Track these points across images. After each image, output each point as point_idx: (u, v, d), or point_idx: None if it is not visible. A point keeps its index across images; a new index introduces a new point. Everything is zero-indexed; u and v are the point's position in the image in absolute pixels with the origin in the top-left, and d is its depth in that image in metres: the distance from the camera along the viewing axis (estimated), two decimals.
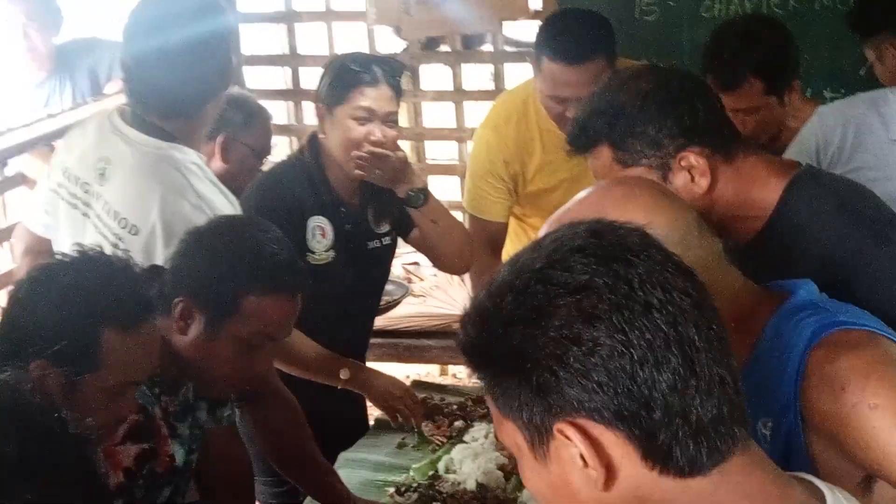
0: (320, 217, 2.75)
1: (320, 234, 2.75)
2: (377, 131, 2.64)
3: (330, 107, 2.68)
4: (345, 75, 2.65)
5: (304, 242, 2.70)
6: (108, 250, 2.17)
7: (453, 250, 2.94)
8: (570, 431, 0.92)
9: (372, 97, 2.63)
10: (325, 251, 2.76)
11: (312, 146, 2.79)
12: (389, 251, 2.98)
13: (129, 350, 1.67)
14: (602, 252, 0.94)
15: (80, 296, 1.67)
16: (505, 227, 3.09)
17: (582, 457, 0.92)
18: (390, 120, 2.68)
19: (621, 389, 0.89)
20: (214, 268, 1.92)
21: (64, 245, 2.34)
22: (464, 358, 1.01)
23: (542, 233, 1.40)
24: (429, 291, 4.29)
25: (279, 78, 4.69)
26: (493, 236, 3.07)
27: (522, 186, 3.02)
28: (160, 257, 2.25)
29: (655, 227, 1.30)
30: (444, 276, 4.24)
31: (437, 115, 5.10)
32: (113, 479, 1.86)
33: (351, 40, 4.73)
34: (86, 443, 1.73)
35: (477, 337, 0.98)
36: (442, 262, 3.08)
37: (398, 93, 2.70)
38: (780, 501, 0.94)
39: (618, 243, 0.96)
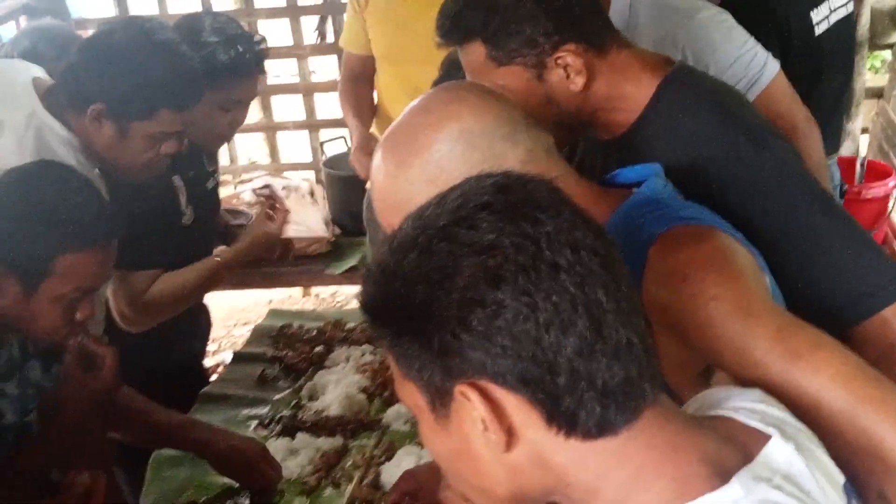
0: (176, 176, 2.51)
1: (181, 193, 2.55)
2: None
3: None
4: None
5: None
6: None
7: None
8: (472, 394, 0.89)
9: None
10: (186, 208, 2.57)
11: None
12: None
13: None
14: (509, 209, 0.91)
15: None
16: (363, 60, 3.26)
17: (483, 421, 0.90)
18: None
19: (525, 353, 0.87)
20: (17, 230, 1.81)
21: None
22: (364, 315, 0.97)
23: (377, 151, 1.34)
24: None
25: None
26: (354, 69, 3.30)
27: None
28: None
29: (484, 122, 1.30)
30: (295, 200, 4.12)
31: None
32: None
33: None
34: None
35: (377, 295, 0.94)
36: None
37: None
38: (690, 448, 0.93)
39: (526, 199, 0.93)
